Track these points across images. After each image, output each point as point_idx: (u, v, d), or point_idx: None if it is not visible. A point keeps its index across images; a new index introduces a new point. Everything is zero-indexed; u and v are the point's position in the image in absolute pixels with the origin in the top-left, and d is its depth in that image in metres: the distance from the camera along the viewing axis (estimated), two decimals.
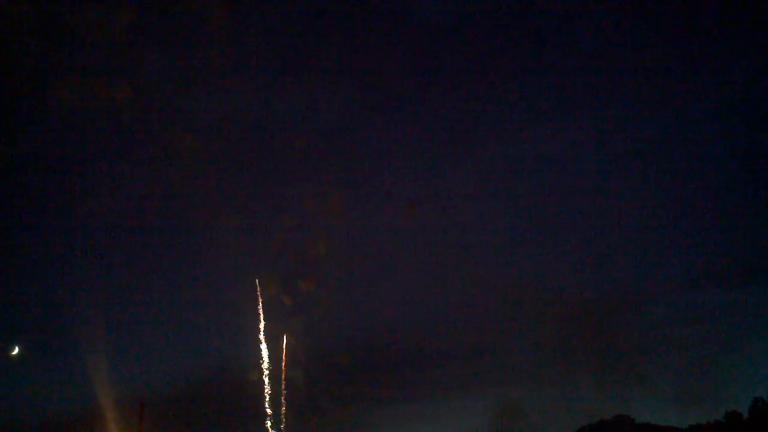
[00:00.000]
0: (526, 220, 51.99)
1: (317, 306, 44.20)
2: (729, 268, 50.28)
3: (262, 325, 41.26)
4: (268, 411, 40.99)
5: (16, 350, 38.57)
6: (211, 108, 43.42)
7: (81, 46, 42.89)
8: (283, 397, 41.30)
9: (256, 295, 41.75)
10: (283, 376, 41.37)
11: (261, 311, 41.40)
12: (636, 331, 50.79)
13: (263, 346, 41.16)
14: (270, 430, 40.17)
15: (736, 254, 49.95)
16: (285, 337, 41.93)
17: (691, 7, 48.58)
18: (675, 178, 53.19)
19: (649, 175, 52.70)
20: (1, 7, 40.00)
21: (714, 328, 50.30)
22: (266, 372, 41.44)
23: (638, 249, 52.75)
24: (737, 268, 49.51)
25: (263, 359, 41.34)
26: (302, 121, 44.96)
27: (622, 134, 51.44)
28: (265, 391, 41.01)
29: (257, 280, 42.24)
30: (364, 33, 41.39)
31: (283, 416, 40.98)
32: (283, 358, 41.71)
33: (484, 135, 49.42)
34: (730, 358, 49.95)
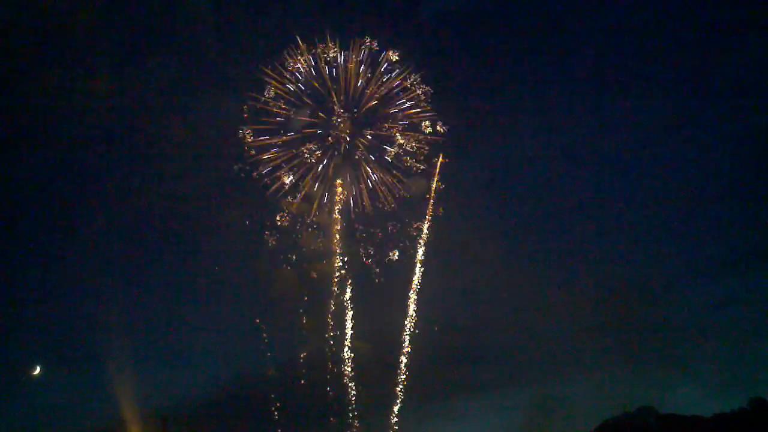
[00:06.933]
0: (548, 212, 50.11)
1: None
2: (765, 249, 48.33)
3: None
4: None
5: (37, 370, 37.43)
6: (217, 108, 41.47)
7: (82, 48, 41.07)
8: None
9: None
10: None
11: None
12: (667, 316, 49.10)
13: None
14: None
15: None
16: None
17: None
18: (705, 155, 50.99)
19: (677, 152, 50.60)
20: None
21: (749, 312, 48.37)
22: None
23: (668, 231, 50.82)
24: None
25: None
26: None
27: (640, 119, 49.27)
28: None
29: None
30: (371, 24, 39.38)
31: None
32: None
33: (493, 131, 47.46)
34: (763, 342, 48.08)
